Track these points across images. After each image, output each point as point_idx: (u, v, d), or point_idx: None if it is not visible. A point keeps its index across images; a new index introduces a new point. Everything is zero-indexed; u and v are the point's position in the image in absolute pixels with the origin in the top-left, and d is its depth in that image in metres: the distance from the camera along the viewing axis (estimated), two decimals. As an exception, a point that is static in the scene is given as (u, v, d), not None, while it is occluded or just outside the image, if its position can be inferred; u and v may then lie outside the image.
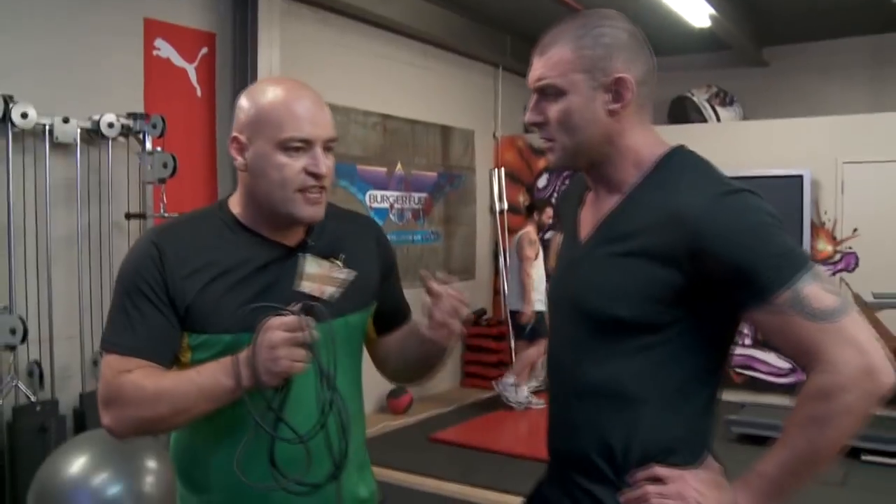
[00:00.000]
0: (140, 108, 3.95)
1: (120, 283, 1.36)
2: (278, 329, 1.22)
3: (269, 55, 4.55)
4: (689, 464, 1.25)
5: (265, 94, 1.35)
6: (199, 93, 4.36)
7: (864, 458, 4.37)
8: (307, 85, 1.39)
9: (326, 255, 1.39)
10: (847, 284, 5.45)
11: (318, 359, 1.25)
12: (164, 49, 4.18)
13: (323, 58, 5.18)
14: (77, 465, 2.89)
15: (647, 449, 1.24)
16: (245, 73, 4.51)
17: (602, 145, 1.28)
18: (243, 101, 1.37)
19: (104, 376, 1.33)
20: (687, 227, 1.17)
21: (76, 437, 3.19)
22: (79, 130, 3.60)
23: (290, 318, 1.23)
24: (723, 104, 6.20)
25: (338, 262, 1.30)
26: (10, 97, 3.29)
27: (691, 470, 1.24)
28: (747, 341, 5.86)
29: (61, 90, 3.64)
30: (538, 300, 5.48)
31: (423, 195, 6.19)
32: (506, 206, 6.95)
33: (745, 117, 6.26)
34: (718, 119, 6.13)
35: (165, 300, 1.32)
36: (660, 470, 1.23)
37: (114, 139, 3.75)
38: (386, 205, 5.83)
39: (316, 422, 1.27)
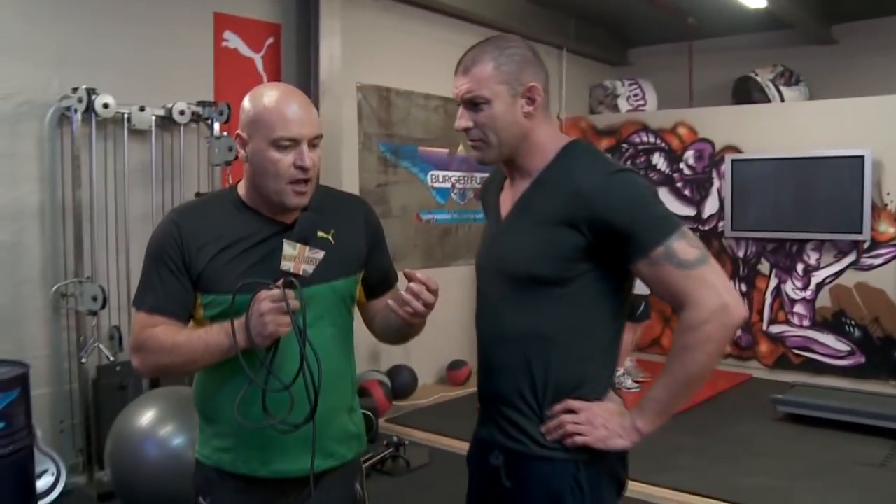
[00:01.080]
0: (210, 97, 4.28)
1: (147, 254, 1.65)
2: (266, 300, 1.49)
3: (330, 43, 4.80)
4: (595, 396, 1.53)
5: (262, 98, 1.59)
6: (265, 81, 4.64)
7: (908, 440, 4.36)
8: (297, 90, 1.64)
9: (316, 232, 1.63)
10: (909, 268, 5.34)
11: (297, 323, 1.50)
12: (233, 40, 4.50)
13: (384, 44, 5.39)
14: (146, 418, 3.22)
15: (560, 383, 1.52)
16: (308, 61, 4.78)
17: (520, 141, 1.57)
18: (245, 103, 1.62)
19: (133, 329, 1.63)
20: (584, 200, 1.46)
21: (146, 394, 3.52)
22: (153, 118, 3.95)
23: (275, 291, 1.49)
24: (788, 84, 6.09)
25: (309, 246, 1.55)
26: (93, 89, 3.64)
27: (597, 402, 1.52)
28: (806, 322, 5.82)
29: (138, 81, 3.98)
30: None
31: (485, 175, 6.32)
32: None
33: (811, 97, 6.14)
34: (782, 99, 6.03)
35: (182, 268, 1.60)
36: (572, 403, 1.51)
37: (185, 125, 4.09)
38: (448, 184, 6.01)
39: (296, 373, 1.52)
